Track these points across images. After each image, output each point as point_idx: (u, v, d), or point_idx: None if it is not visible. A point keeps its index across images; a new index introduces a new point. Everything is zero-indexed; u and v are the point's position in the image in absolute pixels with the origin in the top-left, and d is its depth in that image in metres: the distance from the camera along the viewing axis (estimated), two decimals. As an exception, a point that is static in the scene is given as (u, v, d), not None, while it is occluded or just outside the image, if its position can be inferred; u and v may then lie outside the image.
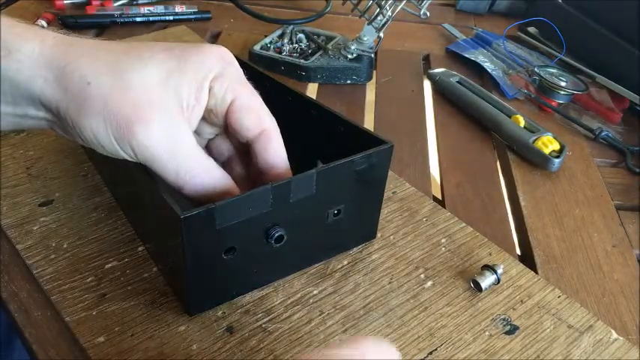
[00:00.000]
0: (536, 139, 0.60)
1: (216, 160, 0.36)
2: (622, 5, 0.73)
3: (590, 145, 0.65)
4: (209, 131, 0.39)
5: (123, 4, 0.84)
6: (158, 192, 0.34)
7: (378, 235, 0.47)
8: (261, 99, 0.37)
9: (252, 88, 0.37)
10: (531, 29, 0.86)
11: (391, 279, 0.44)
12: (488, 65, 0.76)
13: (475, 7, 0.94)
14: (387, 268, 0.45)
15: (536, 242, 0.50)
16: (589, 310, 0.43)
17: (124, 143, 0.33)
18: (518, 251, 0.51)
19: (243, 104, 0.36)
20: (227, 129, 0.38)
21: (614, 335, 0.41)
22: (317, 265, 0.44)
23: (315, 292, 0.42)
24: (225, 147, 0.41)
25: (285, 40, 0.75)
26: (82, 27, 0.78)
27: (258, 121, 0.37)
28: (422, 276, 0.44)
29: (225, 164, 0.41)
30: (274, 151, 0.38)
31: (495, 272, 0.43)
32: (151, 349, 0.37)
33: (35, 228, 0.45)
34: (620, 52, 0.72)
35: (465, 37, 0.84)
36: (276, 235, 0.38)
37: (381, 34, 0.68)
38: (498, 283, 0.44)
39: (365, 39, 0.70)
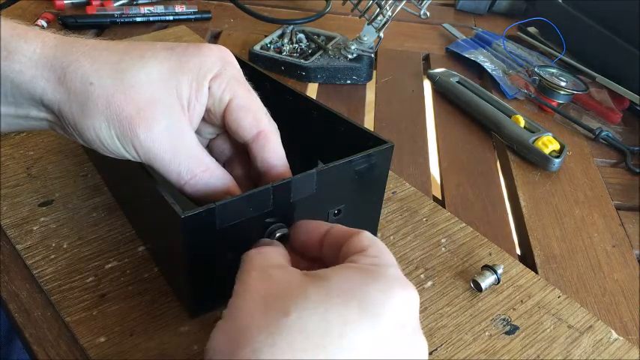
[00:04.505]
0: (536, 139, 0.60)
1: (217, 160, 0.36)
2: (622, 5, 0.73)
3: (590, 145, 0.65)
4: (209, 131, 0.39)
5: (123, 4, 0.84)
6: (158, 192, 0.34)
7: (378, 235, 0.47)
8: (259, 99, 0.37)
9: (251, 89, 0.37)
10: (531, 29, 0.86)
11: (391, 279, 0.44)
12: (488, 65, 0.76)
13: (475, 7, 0.94)
14: (387, 268, 0.45)
15: (536, 242, 0.51)
16: (589, 310, 0.43)
17: (127, 143, 0.33)
18: (518, 251, 0.51)
19: (240, 104, 0.36)
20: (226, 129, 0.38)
21: (614, 335, 0.41)
22: (317, 265, 0.44)
23: (315, 292, 0.42)
24: (225, 147, 0.41)
25: (285, 40, 0.75)
26: (82, 27, 0.78)
27: (255, 121, 0.36)
28: (422, 276, 0.44)
29: (226, 164, 0.41)
30: (272, 152, 0.37)
31: (495, 272, 0.43)
32: (151, 349, 0.37)
33: (35, 228, 0.45)
34: (620, 52, 0.72)
35: (465, 37, 0.84)
36: (277, 235, 0.38)
37: (381, 34, 0.68)
38: (498, 283, 0.44)
39: (365, 39, 0.70)
